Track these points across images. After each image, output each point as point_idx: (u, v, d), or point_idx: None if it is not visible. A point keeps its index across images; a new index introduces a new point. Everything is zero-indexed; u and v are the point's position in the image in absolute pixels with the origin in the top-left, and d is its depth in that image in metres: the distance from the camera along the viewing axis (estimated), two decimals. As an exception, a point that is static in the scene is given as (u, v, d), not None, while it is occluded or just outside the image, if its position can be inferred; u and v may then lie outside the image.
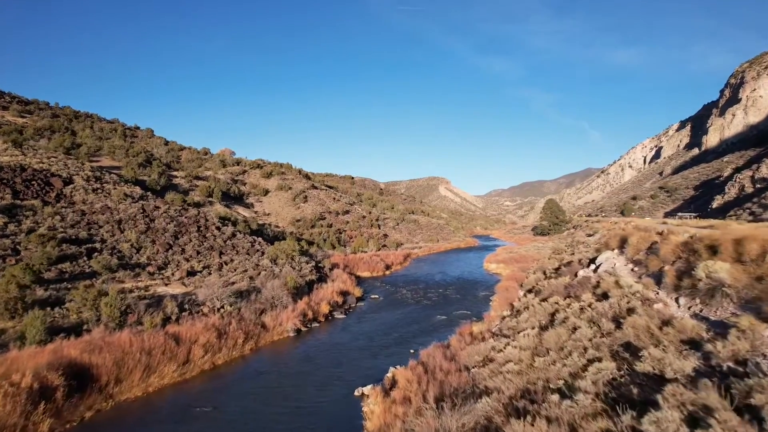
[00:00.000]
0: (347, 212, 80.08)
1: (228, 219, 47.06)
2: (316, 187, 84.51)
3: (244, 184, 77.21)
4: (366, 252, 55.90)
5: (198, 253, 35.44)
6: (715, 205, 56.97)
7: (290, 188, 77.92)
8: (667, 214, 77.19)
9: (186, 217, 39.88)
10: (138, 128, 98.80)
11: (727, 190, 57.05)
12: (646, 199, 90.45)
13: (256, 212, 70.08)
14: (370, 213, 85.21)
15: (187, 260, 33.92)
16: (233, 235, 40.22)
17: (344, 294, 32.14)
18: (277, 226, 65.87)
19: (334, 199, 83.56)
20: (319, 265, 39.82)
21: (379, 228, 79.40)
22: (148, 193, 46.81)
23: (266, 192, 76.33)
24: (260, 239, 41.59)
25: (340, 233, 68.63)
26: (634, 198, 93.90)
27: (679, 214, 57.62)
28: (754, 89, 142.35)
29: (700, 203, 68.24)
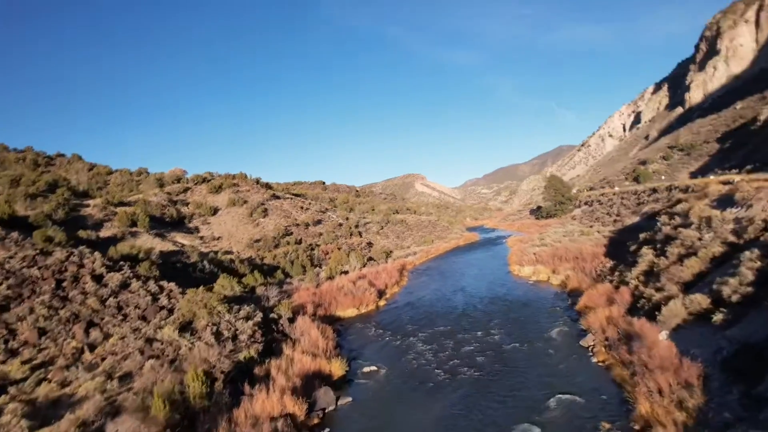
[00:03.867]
0: (319, 222, 63.93)
1: (134, 258, 30.48)
2: (278, 197, 68.00)
3: (186, 204, 60.25)
4: (347, 272, 40.03)
5: (43, 332, 18.96)
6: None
7: (245, 202, 61.28)
8: (695, 174, 63.73)
9: (41, 267, 23.26)
10: (61, 155, 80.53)
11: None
12: (658, 162, 77.05)
13: (201, 237, 53.31)
14: (347, 219, 69.21)
15: (13, 353, 17.55)
16: (124, 285, 23.75)
17: (310, 380, 16.20)
18: (229, 252, 49.43)
19: (302, 208, 67.23)
20: (272, 314, 23.78)
21: (361, 236, 63.50)
22: (14, 233, 30.06)
23: (215, 211, 59.54)
24: (172, 285, 25.11)
25: (312, 249, 52.53)
26: (643, 163, 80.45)
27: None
28: (733, 38, 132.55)
29: (744, 153, 54.64)
